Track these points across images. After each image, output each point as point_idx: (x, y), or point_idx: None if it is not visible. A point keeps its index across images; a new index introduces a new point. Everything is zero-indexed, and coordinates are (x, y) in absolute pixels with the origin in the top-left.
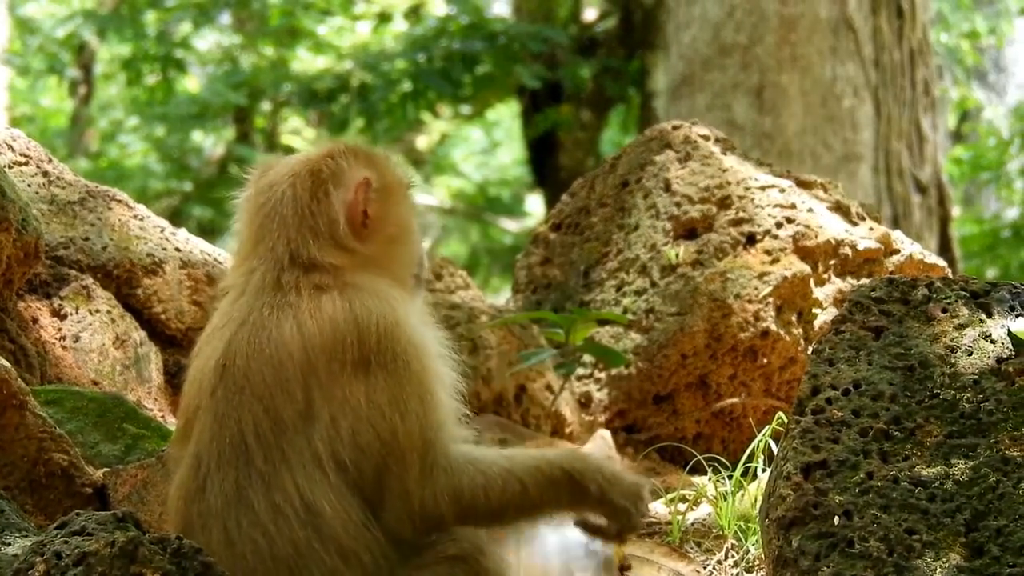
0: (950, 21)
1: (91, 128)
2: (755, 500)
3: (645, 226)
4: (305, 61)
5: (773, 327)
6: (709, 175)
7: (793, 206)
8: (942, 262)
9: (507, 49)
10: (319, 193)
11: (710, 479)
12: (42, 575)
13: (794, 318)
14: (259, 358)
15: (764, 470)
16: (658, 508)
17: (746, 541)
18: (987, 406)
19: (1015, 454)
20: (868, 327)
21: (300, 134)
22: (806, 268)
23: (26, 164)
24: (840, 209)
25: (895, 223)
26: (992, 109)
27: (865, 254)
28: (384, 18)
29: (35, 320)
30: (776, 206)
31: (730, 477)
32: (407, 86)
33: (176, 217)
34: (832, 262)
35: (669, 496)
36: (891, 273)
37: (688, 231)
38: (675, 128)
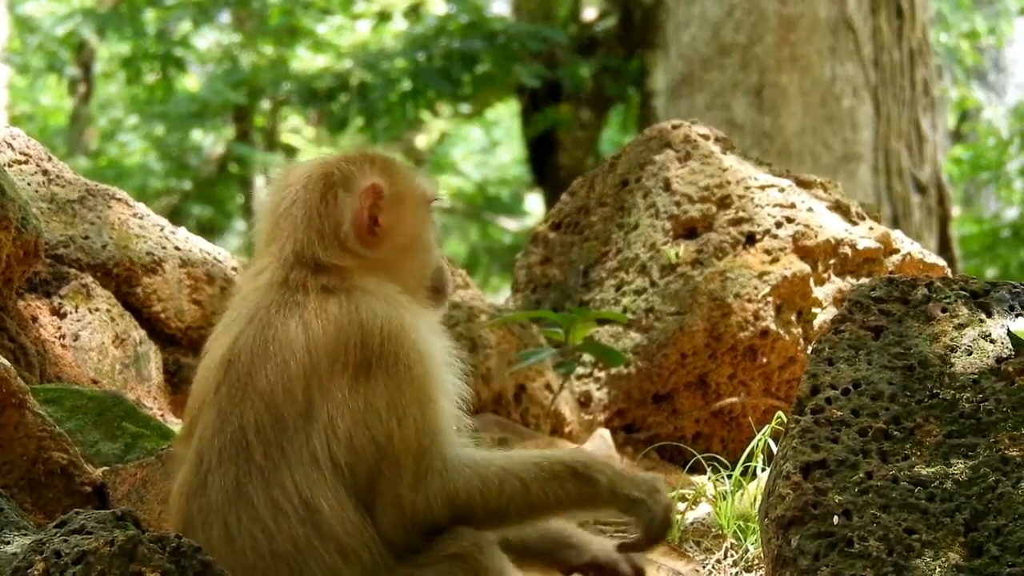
0: (950, 21)
1: (91, 126)
2: (754, 499)
3: (645, 225)
4: (305, 60)
5: (773, 326)
6: (709, 174)
7: (793, 206)
8: (942, 262)
9: (506, 48)
10: (328, 196)
11: (709, 478)
12: (41, 573)
13: (794, 317)
14: (263, 356)
15: (763, 469)
16: None
17: (745, 540)
18: (987, 406)
19: (1014, 454)
20: (868, 327)
21: (300, 133)
22: (806, 267)
23: (26, 162)
24: (840, 209)
25: (895, 223)
26: (992, 109)
27: (865, 254)
28: (383, 17)
29: (35, 319)
30: (776, 206)
31: (729, 476)
32: (406, 85)
33: (175, 216)
34: (832, 262)
35: (669, 495)
36: (891, 273)
37: (688, 230)
38: (675, 127)
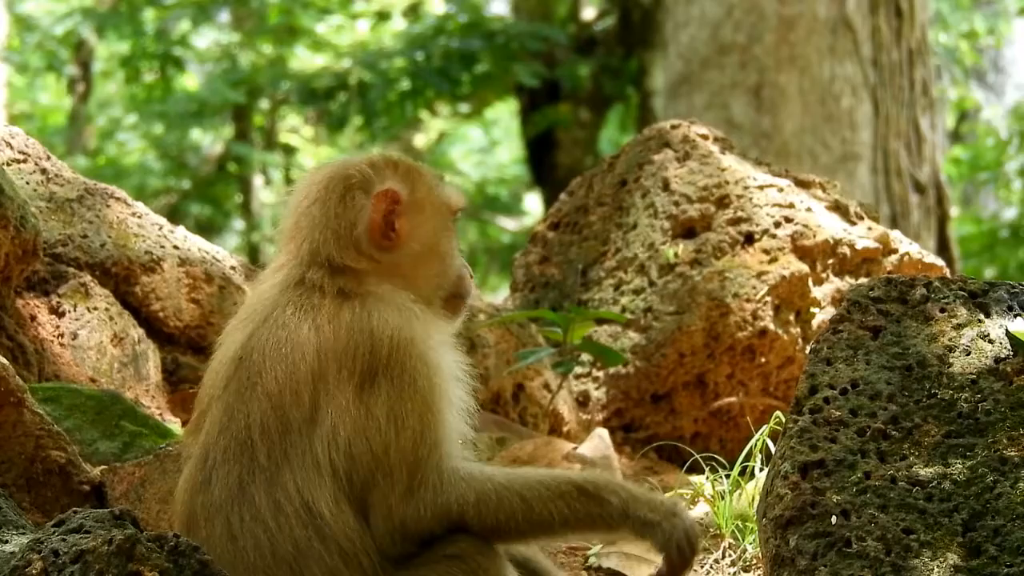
0: (949, 21)
1: (89, 125)
2: (753, 499)
3: (643, 225)
4: (304, 59)
5: (771, 326)
6: (707, 174)
7: (791, 205)
8: (940, 262)
9: (505, 48)
10: (347, 197)
11: (708, 478)
12: (40, 572)
13: (792, 317)
14: (274, 356)
15: (762, 469)
16: None
17: (743, 540)
18: (985, 406)
19: (1013, 454)
20: (866, 327)
21: (298, 132)
22: (804, 267)
23: (24, 161)
24: (838, 208)
25: (893, 223)
26: (990, 109)
27: (863, 253)
28: (383, 16)
29: (33, 317)
30: (774, 205)
31: (728, 476)
32: (405, 84)
33: (174, 215)
34: (830, 261)
35: (667, 495)
36: (889, 273)
37: (686, 230)
38: (674, 127)
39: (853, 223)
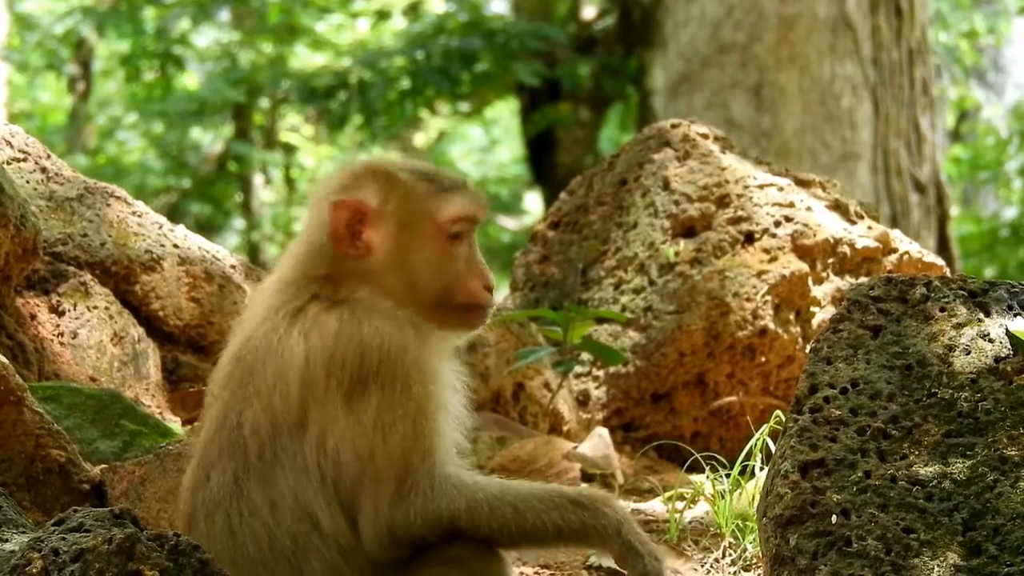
0: (949, 20)
1: (89, 124)
2: (753, 498)
3: (643, 224)
4: (304, 58)
5: (771, 325)
6: (708, 173)
7: (791, 205)
8: (940, 261)
9: (506, 47)
10: (322, 204)
11: (708, 477)
12: (40, 571)
13: (792, 317)
14: (268, 358)
15: (762, 468)
16: (656, 506)
17: (744, 539)
18: (985, 405)
19: (1013, 453)
20: (866, 326)
21: (298, 131)
22: (804, 267)
23: (24, 160)
24: (838, 208)
25: (893, 222)
26: (991, 108)
27: (863, 253)
28: (383, 15)
29: (33, 316)
30: (774, 205)
31: (728, 475)
32: (405, 83)
33: (174, 214)
34: (830, 261)
35: (667, 494)
36: (889, 272)
37: (686, 229)
38: (674, 126)
39: (853, 222)
